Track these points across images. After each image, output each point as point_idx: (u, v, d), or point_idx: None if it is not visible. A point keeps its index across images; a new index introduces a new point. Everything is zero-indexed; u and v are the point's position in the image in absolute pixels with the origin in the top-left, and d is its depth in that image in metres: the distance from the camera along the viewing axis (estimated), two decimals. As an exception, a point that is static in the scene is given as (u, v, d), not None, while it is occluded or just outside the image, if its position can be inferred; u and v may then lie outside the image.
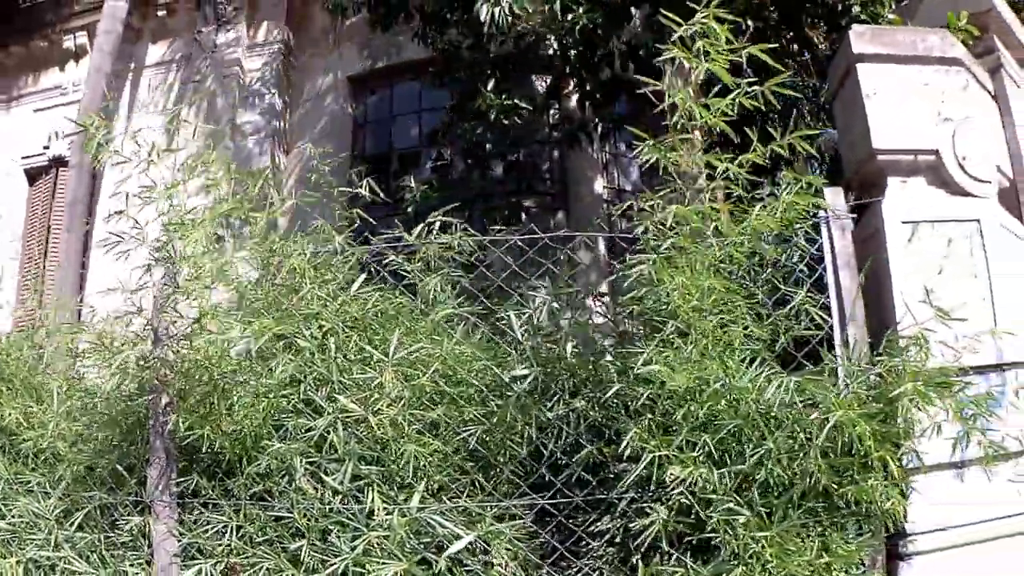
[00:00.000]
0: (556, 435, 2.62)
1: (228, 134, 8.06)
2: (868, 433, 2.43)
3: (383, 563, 2.11)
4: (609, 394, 2.51)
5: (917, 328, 2.90)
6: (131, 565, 2.52)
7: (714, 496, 2.30)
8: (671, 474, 2.32)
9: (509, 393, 2.53)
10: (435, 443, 2.45)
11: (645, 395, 2.45)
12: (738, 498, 2.34)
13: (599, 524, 2.53)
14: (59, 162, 8.24)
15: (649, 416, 2.46)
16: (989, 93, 3.78)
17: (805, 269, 3.17)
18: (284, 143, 8.63)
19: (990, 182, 3.36)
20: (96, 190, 7.83)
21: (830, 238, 3.13)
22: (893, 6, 4.09)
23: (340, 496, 2.39)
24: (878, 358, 2.77)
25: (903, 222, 3.13)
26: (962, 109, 3.38)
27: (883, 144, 3.24)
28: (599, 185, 8.20)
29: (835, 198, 3.15)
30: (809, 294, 2.91)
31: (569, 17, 5.12)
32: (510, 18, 4.75)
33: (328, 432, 2.37)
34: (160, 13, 8.72)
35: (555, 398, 2.66)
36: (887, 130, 3.26)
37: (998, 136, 3.71)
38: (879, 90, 3.31)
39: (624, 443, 2.36)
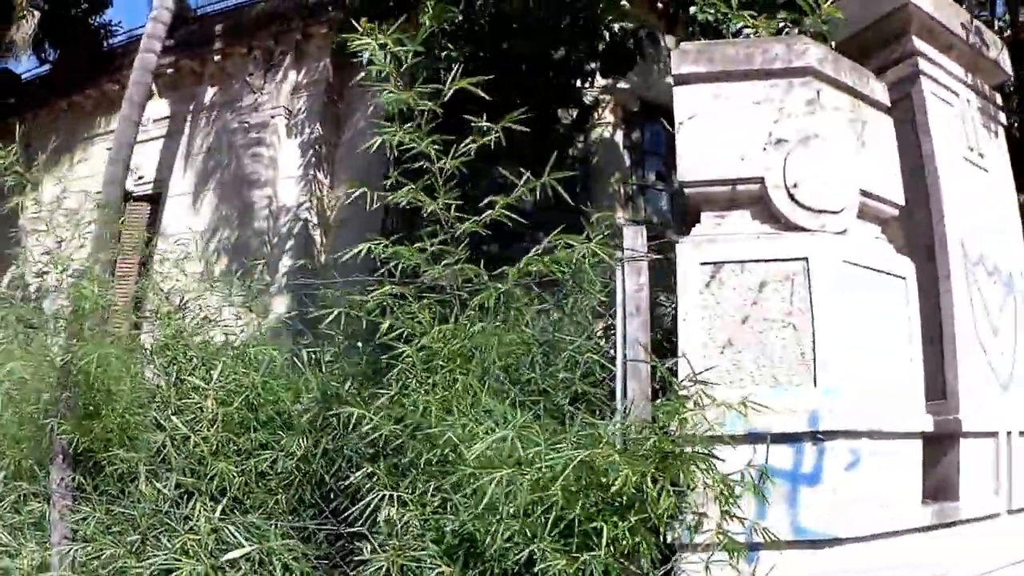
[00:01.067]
0: (330, 464, 2.69)
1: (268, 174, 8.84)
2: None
3: (189, 563, 2.40)
4: (357, 432, 2.55)
5: (699, 387, 2.58)
6: (37, 544, 3.15)
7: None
8: (384, 514, 2.31)
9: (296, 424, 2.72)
10: (239, 463, 2.73)
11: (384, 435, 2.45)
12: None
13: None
14: (127, 196, 9.44)
15: (390, 456, 2.53)
16: (877, 105, 3.22)
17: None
18: (327, 176, 9.25)
19: (836, 211, 2.87)
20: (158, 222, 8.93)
21: (623, 282, 2.86)
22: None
23: (168, 501, 2.75)
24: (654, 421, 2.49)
25: (703, 263, 2.77)
26: (807, 127, 2.94)
27: (691, 176, 2.92)
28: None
29: (633, 239, 2.88)
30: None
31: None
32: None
33: (164, 446, 2.78)
34: (216, 58, 9.72)
35: (332, 431, 2.73)
36: (699, 160, 2.95)
37: (881, 155, 3.15)
38: (699, 113, 2.97)
39: (352, 479, 2.48)
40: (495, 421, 2.40)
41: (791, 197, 2.86)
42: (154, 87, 9.84)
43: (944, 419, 3.22)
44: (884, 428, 2.81)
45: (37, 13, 9.05)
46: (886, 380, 2.89)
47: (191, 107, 9.97)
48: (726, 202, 2.94)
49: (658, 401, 2.60)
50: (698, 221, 3.05)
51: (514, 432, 2.30)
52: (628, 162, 7.47)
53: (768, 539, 2.56)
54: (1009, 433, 3.46)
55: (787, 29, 3.76)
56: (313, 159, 9.21)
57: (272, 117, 9.47)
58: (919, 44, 3.56)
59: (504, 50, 5.43)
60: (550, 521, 2.29)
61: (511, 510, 2.30)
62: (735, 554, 2.32)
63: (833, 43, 3.76)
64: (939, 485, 3.26)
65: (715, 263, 2.81)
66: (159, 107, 10.11)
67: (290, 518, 2.74)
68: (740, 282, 2.79)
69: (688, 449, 2.54)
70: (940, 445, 3.25)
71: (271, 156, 9.36)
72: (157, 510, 2.77)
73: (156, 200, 9.81)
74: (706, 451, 2.47)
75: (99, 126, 10.40)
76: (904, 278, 3.09)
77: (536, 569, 2.24)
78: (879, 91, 3.31)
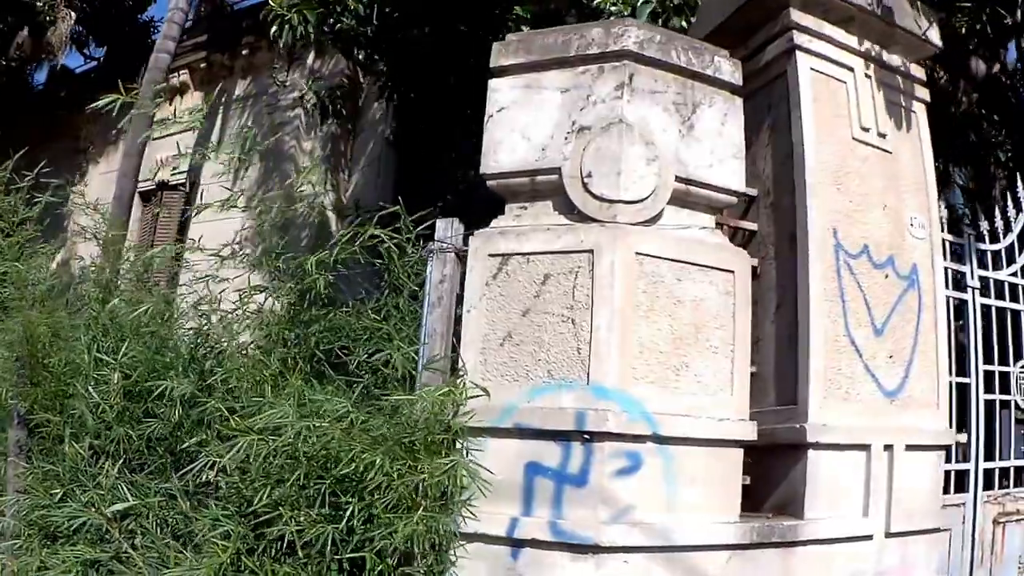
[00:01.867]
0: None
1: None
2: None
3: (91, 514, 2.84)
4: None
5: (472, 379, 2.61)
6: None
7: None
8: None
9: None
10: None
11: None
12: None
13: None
14: (163, 185, 10.24)
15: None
16: (721, 85, 2.99)
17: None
18: (342, 167, 9.64)
19: (633, 200, 2.72)
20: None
21: (430, 273, 2.90)
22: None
23: (84, 460, 3.12)
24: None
25: (491, 255, 2.73)
26: (611, 113, 2.81)
27: (492, 168, 2.88)
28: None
29: (444, 229, 2.90)
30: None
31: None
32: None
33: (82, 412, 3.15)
34: (244, 52, 10.30)
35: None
36: (501, 152, 2.88)
37: (718, 139, 2.93)
38: (509, 105, 2.91)
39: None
40: (298, 401, 2.55)
41: (585, 187, 2.73)
42: (189, 81, 10.61)
43: (790, 427, 2.98)
44: (681, 434, 2.64)
45: (73, 14, 9.82)
46: (693, 382, 2.72)
47: (223, 100, 10.64)
48: (529, 194, 2.85)
49: (434, 390, 2.62)
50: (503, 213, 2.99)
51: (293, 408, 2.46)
52: None
53: (528, 538, 2.53)
54: (889, 447, 3.14)
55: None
56: (331, 148, 9.61)
57: (294, 108, 9.94)
58: (797, 17, 3.24)
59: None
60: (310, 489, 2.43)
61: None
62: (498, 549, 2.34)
63: (724, 16, 3.52)
64: (786, 500, 3.03)
65: (503, 255, 2.74)
66: (194, 99, 10.86)
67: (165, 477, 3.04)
68: (526, 275, 2.71)
69: (451, 439, 2.57)
70: (789, 456, 3.02)
71: (292, 146, 9.85)
72: (75, 467, 3.14)
73: (191, 188, 10.58)
74: (468, 443, 2.50)
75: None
76: (732, 272, 2.87)
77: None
78: (727, 71, 3.05)
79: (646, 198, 2.75)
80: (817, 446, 2.95)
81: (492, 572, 2.54)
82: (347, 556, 2.37)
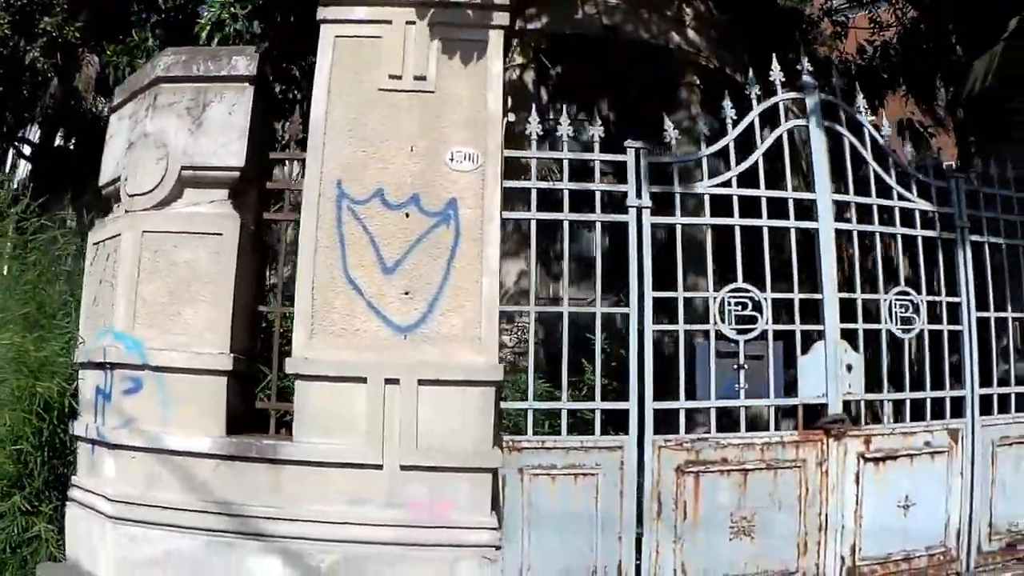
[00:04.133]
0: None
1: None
2: None
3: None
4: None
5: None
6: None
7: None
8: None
9: None
10: None
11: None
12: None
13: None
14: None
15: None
16: (239, 79, 3.68)
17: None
18: None
19: (146, 192, 3.64)
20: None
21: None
22: None
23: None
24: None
25: (92, 243, 3.99)
26: (142, 129, 3.80)
27: (101, 180, 4.11)
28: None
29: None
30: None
31: None
32: None
33: None
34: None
35: None
36: (105, 168, 4.11)
37: (227, 127, 3.62)
38: (114, 134, 4.12)
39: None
40: None
41: (125, 188, 3.72)
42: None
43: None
44: (169, 364, 3.44)
45: (96, 58, 9.21)
46: (184, 326, 3.48)
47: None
48: (116, 197, 3.91)
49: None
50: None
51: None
52: (546, 99, 7.15)
53: (94, 438, 3.70)
54: (394, 381, 3.32)
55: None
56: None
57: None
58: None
59: None
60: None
61: None
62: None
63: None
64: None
65: (96, 242, 3.91)
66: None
67: None
68: (102, 255, 3.82)
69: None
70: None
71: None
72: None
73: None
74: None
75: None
76: (221, 234, 3.50)
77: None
78: (242, 67, 3.65)
79: (154, 189, 3.61)
80: (302, 377, 3.38)
81: (84, 460, 3.76)
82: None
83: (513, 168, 3.84)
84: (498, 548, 3.36)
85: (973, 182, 4.69)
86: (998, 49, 5.04)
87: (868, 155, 4.28)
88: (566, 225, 3.76)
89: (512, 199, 3.80)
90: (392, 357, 3.37)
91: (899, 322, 4.22)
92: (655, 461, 3.71)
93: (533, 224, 3.76)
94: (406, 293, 3.42)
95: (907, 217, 4.38)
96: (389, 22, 3.60)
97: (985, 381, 4.51)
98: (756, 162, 4.04)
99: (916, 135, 7.92)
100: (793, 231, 4.07)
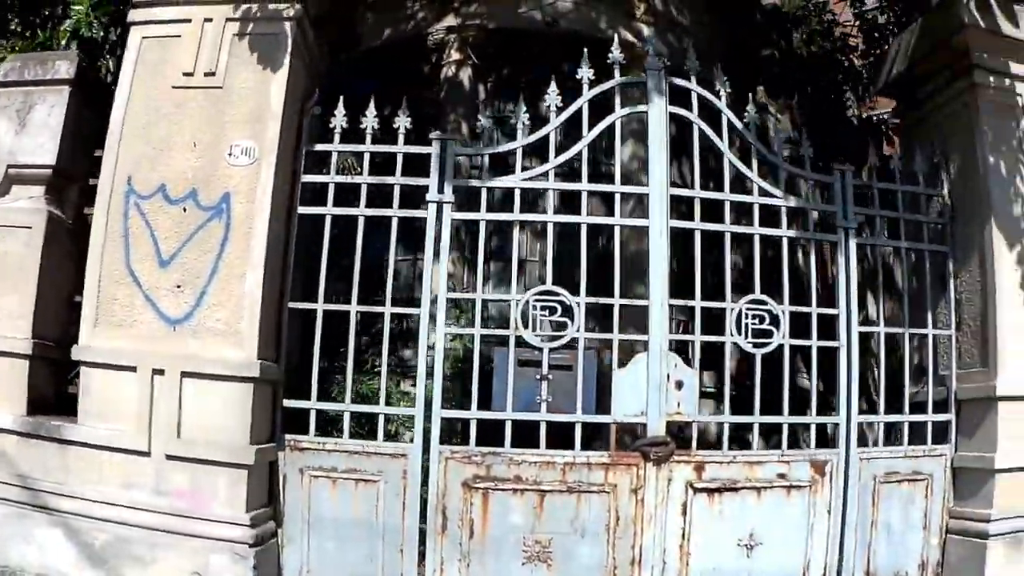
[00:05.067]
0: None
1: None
2: None
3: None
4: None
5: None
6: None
7: None
8: None
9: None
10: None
11: None
12: None
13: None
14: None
15: None
16: (60, 83, 3.86)
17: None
18: None
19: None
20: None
21: None
22: None
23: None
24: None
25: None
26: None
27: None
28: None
29: None
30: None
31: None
32: None
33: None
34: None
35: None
36: None
37: (46, 127, 3.81)
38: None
39: None
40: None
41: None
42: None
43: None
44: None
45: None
46: (3, 313, 3.66)
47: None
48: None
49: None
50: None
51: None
52: (483, 95, 6.92)
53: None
54: (160, 372, 3.34)
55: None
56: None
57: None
58: None
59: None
60: None
61: None
62: None
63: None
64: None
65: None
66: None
67: None
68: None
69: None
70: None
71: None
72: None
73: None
74: None
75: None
76: (30, 227, 3.64)
77: None
78: (64, 70, 3.83)
79: (-17, 186, 3.84)
80: (86, 364, 3.46)
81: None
82: None
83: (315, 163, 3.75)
84: (252, 546, 3.26)
85: (867, 176, 4.09)
86: (915, 26, 4.37)
87: (723, 144, 3.84)
88: (361, 221, 3.63)
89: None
90: (161, 348, 3.39)
91: (751, 335, 3.74)
92: (441, 473, 3.48)
93: (328, 220, 3.66)
94: (178, 286, 3.42)
95: (774, 215, 3.90)
96: (189, 21, 3.65)
97: (872, 407, 3.92)
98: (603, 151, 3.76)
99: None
100: (618, 229, 3.72)
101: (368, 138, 3.73)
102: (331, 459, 3.52)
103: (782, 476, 3.69)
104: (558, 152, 3.73)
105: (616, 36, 4.11)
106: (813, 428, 3.85)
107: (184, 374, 3.33)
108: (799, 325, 3.84)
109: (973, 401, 4.05)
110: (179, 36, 3.65)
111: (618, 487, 3.50)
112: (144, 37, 3.70)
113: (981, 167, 4.11)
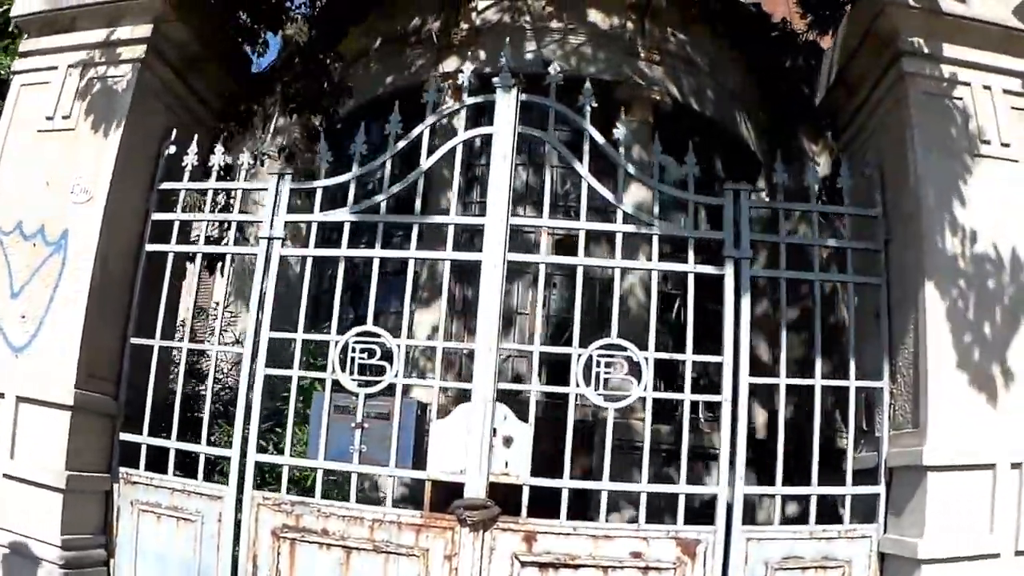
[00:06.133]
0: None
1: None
2: None
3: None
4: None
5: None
6: None
7: None
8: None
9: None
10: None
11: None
12: None
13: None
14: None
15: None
16: None
17: None
18: None
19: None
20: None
21: None
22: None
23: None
24: None
25: None
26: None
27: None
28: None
29: None
30: None
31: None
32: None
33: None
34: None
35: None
36: None
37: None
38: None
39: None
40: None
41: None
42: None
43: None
44: None
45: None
46: None
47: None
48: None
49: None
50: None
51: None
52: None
53: None
54: (2, 396, 3.45)
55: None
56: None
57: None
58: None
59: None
60: None
61: None
62: None
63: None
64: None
65: None
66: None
67: None
68: None
69: None
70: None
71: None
72: None
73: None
74: None
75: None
76: None
77: None
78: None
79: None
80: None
81: None
82: None
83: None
84: (63, 567, 3.27)
85: (771, 196, 3.39)
86: (845, 19, 3.54)
87: (583, 167, 3.36)
88: (198, 258, 3.60)
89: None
90: (4, 373, 3.54)
91: (603, 386, 3.21)
92: (252, 519, 3.32)
93: (170, 257, 3.65)
94: (23, 316, 3.57)
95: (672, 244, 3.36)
96: (56, 68, 3.84)
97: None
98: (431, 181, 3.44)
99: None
100: (448, 264, 3.36)
101: (213, 175, 3.70)
102: (157, 495, 3.49)
103: (637, 555, 3.13)
104: (392, 183, 3.46)
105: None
106: (682, 500, 3.22)
107: (19, 398, 3.46)
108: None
109: (905, 470, 3.23)
110: (48, 83, 3.85)
111: (430, 552, 3.14)
112: (22, 85, 3.96)
113: (912, 175, 3.31)
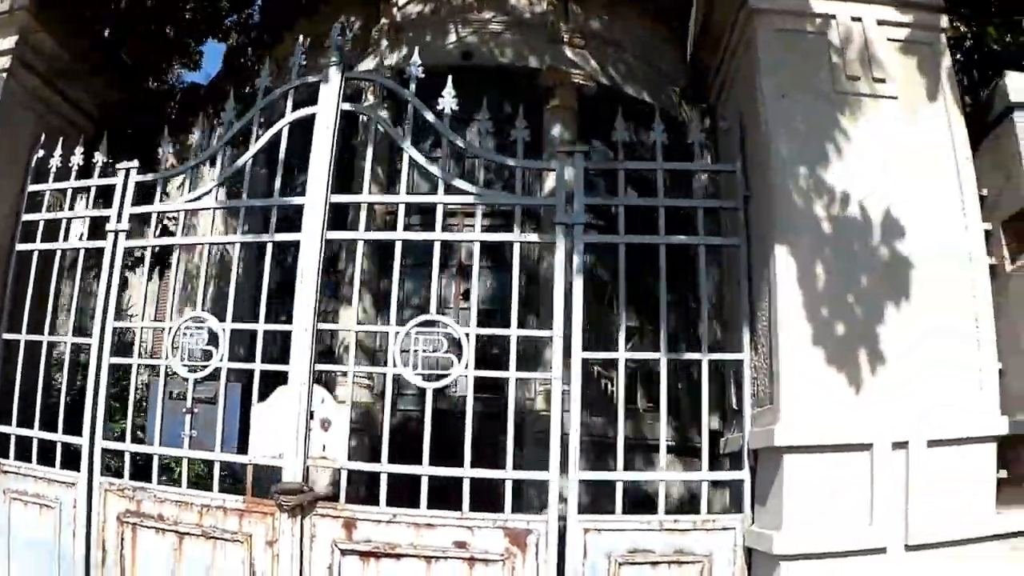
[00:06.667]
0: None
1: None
2: None
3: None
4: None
5: None
6: None
7: None
8: None
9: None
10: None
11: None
12: None
13: None
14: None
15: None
16: None
17: None
18: None
19: None
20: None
21: None
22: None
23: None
24: None
25: None
26: None
27: None
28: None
29: None
30: None
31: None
32: None
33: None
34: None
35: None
36: None
37: None
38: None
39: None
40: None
41: None
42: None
43: None
44: None
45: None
46: None
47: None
48: None
49: None
50: None
51: None
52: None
53: None
54: None
55: None
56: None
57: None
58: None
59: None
60: None
61: None
62: None
63: None
64: None
65: None
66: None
67: None
68: None
69: None
70: None
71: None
72: None
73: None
74: None
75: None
76: None
77: None
78: None
79: None
80: None
81: None
82: None
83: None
84: None
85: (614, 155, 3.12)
86: None
87: (405, 142, 3.23)
88: (58, 255, 3.70)
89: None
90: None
91: (424, 365, 3.06)
92: (101, 505, 3.38)
93: (35, 256, 3.78)
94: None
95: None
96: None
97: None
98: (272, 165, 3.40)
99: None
100: (270, 246, 3.30)
101: (72, 175, 3.80)
102: (24, 483, 3.62)
103: (462, 545, 2.96)
104: (229, 168, 3.45)
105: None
106: (509, 486, 3.01)
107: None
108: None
109: (767, 452, 2.91)
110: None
111: (253, 537, 3.09)
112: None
113: (763, 124, 2.97)
